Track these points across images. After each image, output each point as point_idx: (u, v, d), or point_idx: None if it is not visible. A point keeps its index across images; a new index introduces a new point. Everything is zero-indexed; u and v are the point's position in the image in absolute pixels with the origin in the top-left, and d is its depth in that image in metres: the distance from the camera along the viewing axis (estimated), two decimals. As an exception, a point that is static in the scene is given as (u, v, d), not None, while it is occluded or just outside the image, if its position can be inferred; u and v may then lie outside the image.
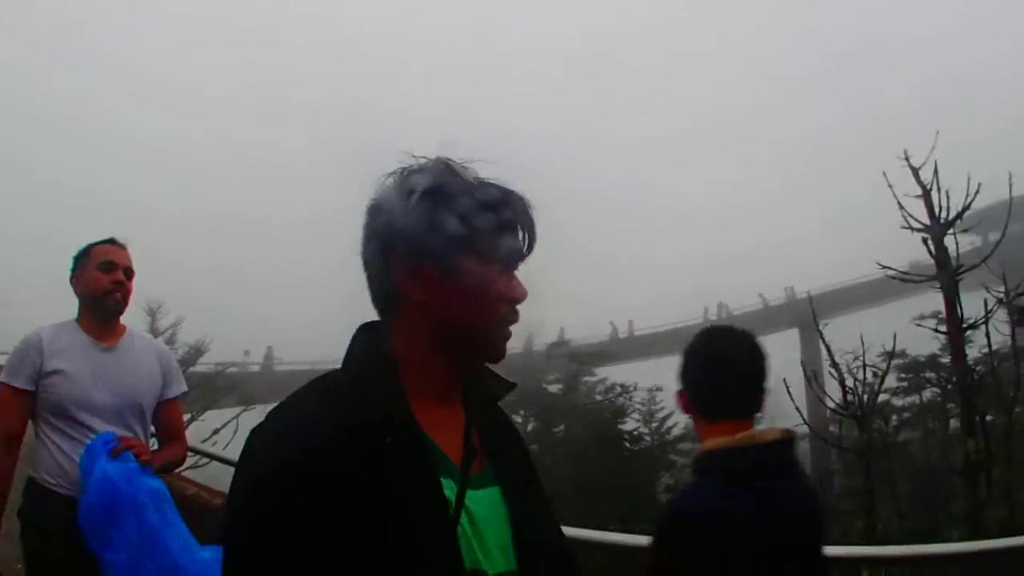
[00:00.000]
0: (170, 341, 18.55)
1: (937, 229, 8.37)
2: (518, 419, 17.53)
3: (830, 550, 2.10)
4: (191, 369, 17.90)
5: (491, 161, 0.79)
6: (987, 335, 8.21)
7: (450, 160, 0.77)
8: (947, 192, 8.34)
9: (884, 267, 9.43)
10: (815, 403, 9.58)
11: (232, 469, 0.72)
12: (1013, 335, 8.47)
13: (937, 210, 8.39)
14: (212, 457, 4.81)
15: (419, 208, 0.74)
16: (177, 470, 2.33)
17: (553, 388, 19.94)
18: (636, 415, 17.70)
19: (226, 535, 0.68)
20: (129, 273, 1.99)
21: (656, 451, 16.94)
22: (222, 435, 14.00)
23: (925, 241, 8.50)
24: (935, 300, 9.39)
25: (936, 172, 8.48)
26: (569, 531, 2.58)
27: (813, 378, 9.15)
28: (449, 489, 0.73)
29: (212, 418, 15.16)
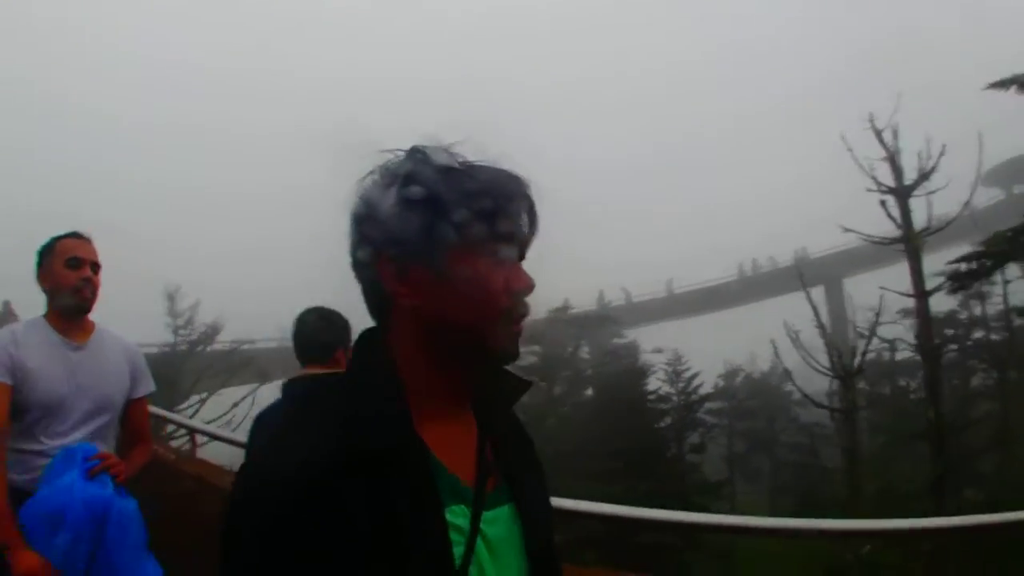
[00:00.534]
0: (188, 323, 18.90)
1: (902, 191, 8.66)
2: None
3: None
4: (209, 348, 18.30)
5: (481, 141, 0.71)
6: (1004, 296, 8.12)
7: (427, 147, 0.71)
8: (920, 154, 8.67)
9: (848, 230, 9.86)
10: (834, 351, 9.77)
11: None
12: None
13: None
14: (217, 438, 4.89)
15: (398, 206, 0.68)
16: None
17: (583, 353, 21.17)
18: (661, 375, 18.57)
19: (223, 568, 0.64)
20: (96, 268, 1.96)
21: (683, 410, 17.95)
22: (240, 408, 14.93)
23: (883, 204, 8.80)
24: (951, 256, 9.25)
25: (896, 135, 8.91)
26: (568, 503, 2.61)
27: (796, 338, 9.65)
28: (462, 516, 0.68)
29: (228, 395, 16.02)
